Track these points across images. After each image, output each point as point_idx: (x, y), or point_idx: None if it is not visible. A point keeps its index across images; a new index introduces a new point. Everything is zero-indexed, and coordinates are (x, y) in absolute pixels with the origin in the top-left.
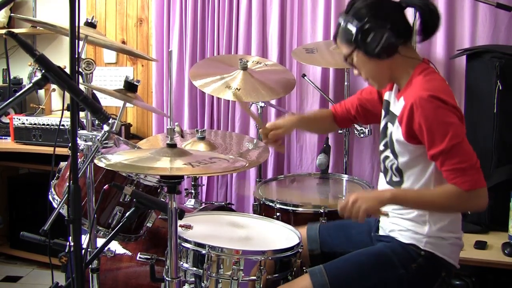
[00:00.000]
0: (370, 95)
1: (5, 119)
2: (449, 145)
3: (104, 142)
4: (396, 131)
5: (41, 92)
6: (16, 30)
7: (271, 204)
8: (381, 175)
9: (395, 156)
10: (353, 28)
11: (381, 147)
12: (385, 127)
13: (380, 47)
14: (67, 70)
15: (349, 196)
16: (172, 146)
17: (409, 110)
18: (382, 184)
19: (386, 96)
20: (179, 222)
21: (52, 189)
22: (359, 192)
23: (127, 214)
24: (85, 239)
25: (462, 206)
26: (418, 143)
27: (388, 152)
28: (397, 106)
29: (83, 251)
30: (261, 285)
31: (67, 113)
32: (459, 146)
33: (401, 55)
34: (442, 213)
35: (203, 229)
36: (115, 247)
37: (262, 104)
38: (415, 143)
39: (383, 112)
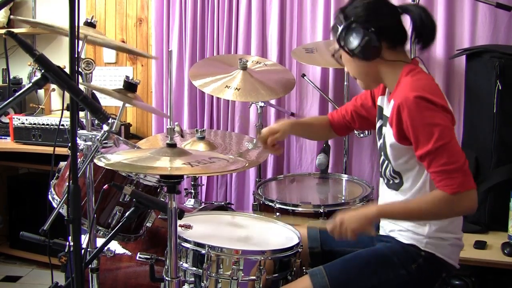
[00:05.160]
0: (365, 100)
1: (5, 119)
2: (434, 146)
3: (104, 142)
4: (388, 134)
5: (41, 92)
6: (15, 30)
7: (271, 204)
8: (381, 179)
9: (388, 159)
10: (339, 26)
11: (379, 151)
12: (380, 131)
13: (360, 49)
14: (67, 70)
15: (335, 217)
16: (172, 146)
17: (396, 111)
18: (383, 188)
19: (379, 101)
20: (179, 222)
21: (52, 189)
22: (345, 212)
23: (126, 214)
24: (84, 239)
25: (450, 210)
26: (410, 144)
27: (383, 156)
28: (389, 108)
29: (83, 251)
30: (261, 285)
31: (66, 113)
32: (445, 147)
33: (384, 59)
34: (435, 220)
35: (202, 229)
36: (115, 247)
37: (262, 104)
38: (407, 144)
39: (377, 118)
